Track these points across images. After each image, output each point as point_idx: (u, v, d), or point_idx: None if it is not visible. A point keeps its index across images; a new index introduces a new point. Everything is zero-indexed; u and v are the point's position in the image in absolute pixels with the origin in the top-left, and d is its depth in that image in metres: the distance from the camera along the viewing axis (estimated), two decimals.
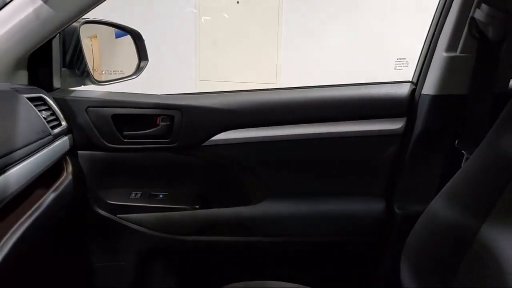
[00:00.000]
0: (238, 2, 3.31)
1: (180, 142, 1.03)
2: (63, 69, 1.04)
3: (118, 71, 1.16)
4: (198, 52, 3.46)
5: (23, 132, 0.76)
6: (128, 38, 1.19)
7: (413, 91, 1.02)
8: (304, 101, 1.06)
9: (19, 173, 0.70)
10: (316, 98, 1.06)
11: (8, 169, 0.67)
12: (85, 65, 1.08)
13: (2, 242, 0.66)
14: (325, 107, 1.05)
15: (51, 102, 0.93)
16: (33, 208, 0.77)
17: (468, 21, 0.90)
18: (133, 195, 1.09)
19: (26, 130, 0.77)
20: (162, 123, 1.02)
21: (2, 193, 0.64)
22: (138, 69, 1.18)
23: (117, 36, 1.25)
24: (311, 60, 3.12)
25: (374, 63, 2.63)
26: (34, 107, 0.83)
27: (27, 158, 0.74)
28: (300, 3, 3.09)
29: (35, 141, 0.78)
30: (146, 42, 1.18)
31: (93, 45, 1.24)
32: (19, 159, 0.71)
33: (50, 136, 0.85)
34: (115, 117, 1.00)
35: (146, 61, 1.19)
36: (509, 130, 0.67)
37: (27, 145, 0.74)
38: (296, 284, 0.89)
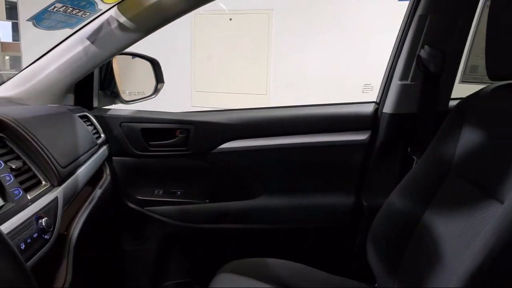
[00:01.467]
0: (231, 19, 3.39)
1: (194, 150, 1.21)
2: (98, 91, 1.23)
3: (141, 92, 1.36)
4: (194, 66, 3.54)
5: (81, 142, 0.95)
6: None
7: (376, 110, 1.19)
8: (292, 118, 1.23)
9: (82, 173, 0.89)
10: (301, 115, 1.23)
11: (77, 170, 0.87)
12: (115, 87, 1.27)
13: (75, 222, 0.87)
14: (308, 122, 1.21)
15: (92, 118, 1.13)
16: (89, 200, 0.97)
17: (415, 58, 1.08)
18: (156, 191, 1.27)
19: (82, 141, 0.96)
20: (180, 135, 1.20)
21: (75, 188, 0.84)
22: (156, 90, 1.36)
23: (133, 56, 1.45)
24: (298, 73, 3.23)
25: (346, 87, 2.94)
26: (83, 123, 1.04)
27: (86, 162, 0.94)
28: (288, 20, 3.20)
29: (89, 150, 0.97)
30: None
31: (113, 63, 1.42)
32: (82, 163, 0.91)
33: (96, 146, 1.05)
34: (143, 130, 1.18)
35: (163, 84, 1.37)
36: (445, 140, 0.80)
37: (85, 153, 0.94)
38: (288, 261, 1.00)
